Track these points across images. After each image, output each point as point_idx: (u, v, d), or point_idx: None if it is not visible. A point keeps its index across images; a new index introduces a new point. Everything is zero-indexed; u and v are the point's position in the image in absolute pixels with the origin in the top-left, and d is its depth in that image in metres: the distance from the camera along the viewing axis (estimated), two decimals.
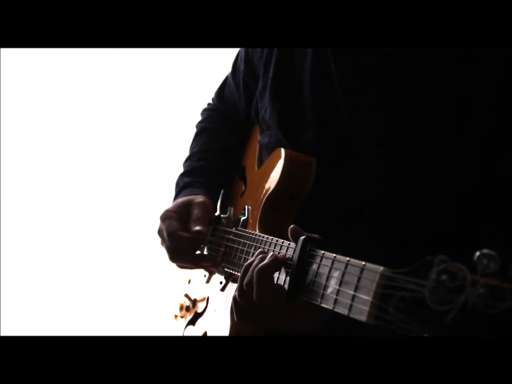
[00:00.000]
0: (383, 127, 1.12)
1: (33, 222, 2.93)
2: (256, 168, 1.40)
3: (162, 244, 1.38)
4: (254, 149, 1.45)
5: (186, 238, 1.31)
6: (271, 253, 1.03)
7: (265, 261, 1.00)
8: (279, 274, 1.03)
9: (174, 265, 1.41)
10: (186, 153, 1.60)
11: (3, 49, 2.73)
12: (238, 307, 1.06)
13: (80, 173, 2.96)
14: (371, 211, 1.12)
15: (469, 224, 1.04)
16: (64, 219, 2.94)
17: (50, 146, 2.94)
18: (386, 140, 1.11)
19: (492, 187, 1.06)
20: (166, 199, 1.51)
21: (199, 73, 2.81)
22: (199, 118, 1.67)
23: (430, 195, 1.08)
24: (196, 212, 1.35)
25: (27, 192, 2.92)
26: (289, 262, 1.00)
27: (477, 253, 0.63)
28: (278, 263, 1.00)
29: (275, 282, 1.02)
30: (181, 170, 1.56)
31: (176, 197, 1.46)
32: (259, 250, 1.08)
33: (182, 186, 1.47)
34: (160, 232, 1.37)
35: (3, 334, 2.66)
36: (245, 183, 1.45)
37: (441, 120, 1.08)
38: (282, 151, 1.21)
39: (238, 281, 1.04)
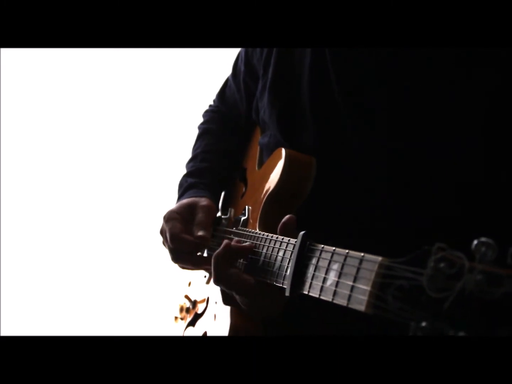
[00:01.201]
0: (383, 127, 1.12)
1: (33, 222, 2.93)
2: (256, 168, 1.41)
3: (164, 245, 1.38)
4: (254, 150, 1.45)
5: (189, 242, 1.31)
6: (225, 241, 1.12)
7: (219, 249, 1.10)
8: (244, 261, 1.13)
9: (174, 266, 1.41)
10: (188, 154, 1.61)
11: (3, 49, 2.73)
12: (222, 293, 1.17)
13: (81, 173, 2.96)
14: (371, 211, 1.12)
15: (469, 224, 1.04)
16: (64, 220, 2.95)
17: (51, 146, 2.94)
18: (386, 140, 1.11)
19: (493, 187, 1.06)
20: (168, 201, 1.51)
21: (200, 74, 2.81)
22: (201, 119, 1.68)
23: (430, 195, 1.08)
24: (200, 215, 1.35)
25: (27, 192, 2.93)
26: (255, 250, 1.11)
27: (475, 242, 0.63)
28: (231, 249, 1.10)
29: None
30: (184, 170, 1.56)
31: (180, 198, 1.46)
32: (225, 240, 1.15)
33: (186, 187, 1.47)
34: (162, 233, 1.37)
35: (3, 334, 2.66)
36: (245, 185, 1.45)
37: (441, 120, 1.08)
38: (283, 151, 1.21)
39: None
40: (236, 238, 1.18)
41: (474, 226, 1.01)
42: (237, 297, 1.10)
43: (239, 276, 1.09)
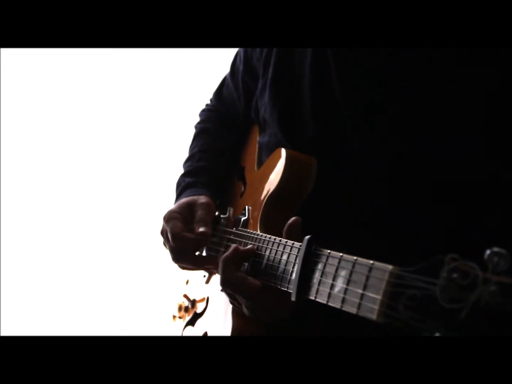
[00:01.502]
0: (383, 127, 1.12)
1: (33, 222, 2.93)
2: (255, 168, 1.40)
3: (165, 245, 1.38)
4: (253, 149, 1.45)
5: (191, 239, 1.31)
6: (233, 245, 1.13)
7: (228, 252, 1.11)
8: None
9: (173, 265, 1.41)
10: (185, 153, 1.60)
11: (3, 49, 2.73)
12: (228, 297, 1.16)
13: (80, 173, 2.96)
14: (371, 211, 1.12)
15: (469, 224, 1.04)
16: (64, 219, 2.95)
17: (50, 147, 2.94)
18: (386, 140, 1.11)
19: (493, 187, 1.06)
20: (165, 200, 1.51)
21: (197, 73, 2.81)
22: (198, 118, 1.68)
23: (430, 195, 1.08)
24: (200, 213, 1.35)
25: (27, 192, 2.92)
26: (258, 252, 1.11)
27: (488, 252, 0.63)
28: (240, 253, 1.11)
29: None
30: (181, 170, 1.56)
31: (178, 197, 1.45)
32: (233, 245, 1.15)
33: (184, 186, 1.47)
34: (163, 233, 1.37)
35: (3, 334, 2.66)
36: (244, 184, 1.45)
37: (441, 120, 1.08)
38: (283, 151, 1.21)
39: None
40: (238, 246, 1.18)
41: (474, 226, 1.02)
42: (243, 300, 1.10)
43: (245, 280, 1.09)
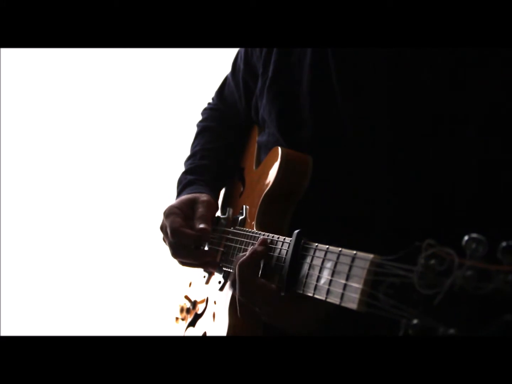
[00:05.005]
0: (382, 126, 1.12)
1: (33, 222, 2.93)
2: (254, 168, 1.41)
3: (165, 240, 1.38)
4: (252, 149, 1.45)
5: (190, 235, 1.31)
6: (251, 247, 1.06)
7: (244, 257, 1.04)
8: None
9: (175, 267, 1.41)
10: (187, 151, 1.61)
11: (3, 49, 2.73)
12: (239, 304, 1.09)
13: (81, 172, 2.96)
14: (369, 210, 1.12)
15: (468, 223, 1.04)
16: (64, 219, 2.95)
17: (49, 146, 2.94)
18: (385, 140, 1.11)
19: (492, 187, 1.06)
20: (166, 199, 1.51)
21: (199, 72, 2.81)
22: (200, 117, 1.68)
23: (429, 195, 1.08)
24: (200, 210, 1.35)
25: (27, 192, 2.92)
26: (270, 253, 1.05)
27: (466, 238, 0.64)
28: (258, 255, 1.05)
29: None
30: (182, 168, 1.56)
31: (179, 195, 1.45)
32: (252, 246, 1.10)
33: (185, 184, 1.47)
34: (163, 228, 1.37)
35: (3, 334, 2.66)
36: (243, 184, 1.45)
37: (441, 120, 1.08)
38: (279, 149, 1.21)
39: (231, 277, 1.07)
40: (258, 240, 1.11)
41: (473, 225, 1.01)
42: (263, 308, 1.05)
43: (266, 286, 1.03)
